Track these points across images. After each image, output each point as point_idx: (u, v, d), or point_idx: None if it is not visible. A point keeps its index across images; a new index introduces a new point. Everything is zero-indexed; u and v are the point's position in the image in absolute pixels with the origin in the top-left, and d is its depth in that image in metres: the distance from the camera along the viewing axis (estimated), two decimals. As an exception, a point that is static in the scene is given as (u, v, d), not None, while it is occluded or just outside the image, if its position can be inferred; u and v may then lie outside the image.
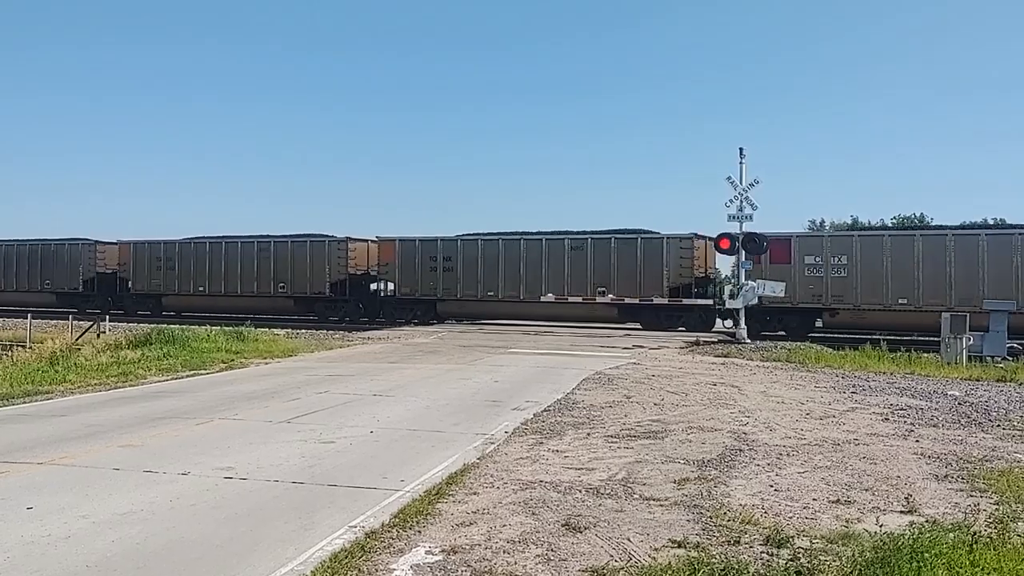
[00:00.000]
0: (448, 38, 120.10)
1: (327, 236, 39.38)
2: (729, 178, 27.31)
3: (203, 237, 42.26)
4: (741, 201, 27.12)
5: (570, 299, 34.71)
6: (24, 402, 13.95)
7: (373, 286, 40.39)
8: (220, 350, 22.40)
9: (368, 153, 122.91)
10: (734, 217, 27.29)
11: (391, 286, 38.97)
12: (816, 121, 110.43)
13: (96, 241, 44.75)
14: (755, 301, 27.49)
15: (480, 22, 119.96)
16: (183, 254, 41.83)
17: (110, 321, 32.05)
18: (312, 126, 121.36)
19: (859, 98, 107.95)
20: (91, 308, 42.49)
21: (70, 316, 33.61)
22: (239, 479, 8.44)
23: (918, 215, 54.06)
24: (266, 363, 20.60)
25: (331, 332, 32.40)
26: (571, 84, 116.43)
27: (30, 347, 25.59)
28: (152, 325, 28.62)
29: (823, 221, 55.95)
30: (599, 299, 34.31)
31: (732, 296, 28.47)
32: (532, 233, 36.70)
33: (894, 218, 54.77)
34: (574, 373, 17.87)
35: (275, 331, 30.14)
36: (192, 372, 18.42)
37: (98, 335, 28.26)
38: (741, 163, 27.42)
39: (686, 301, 32.86)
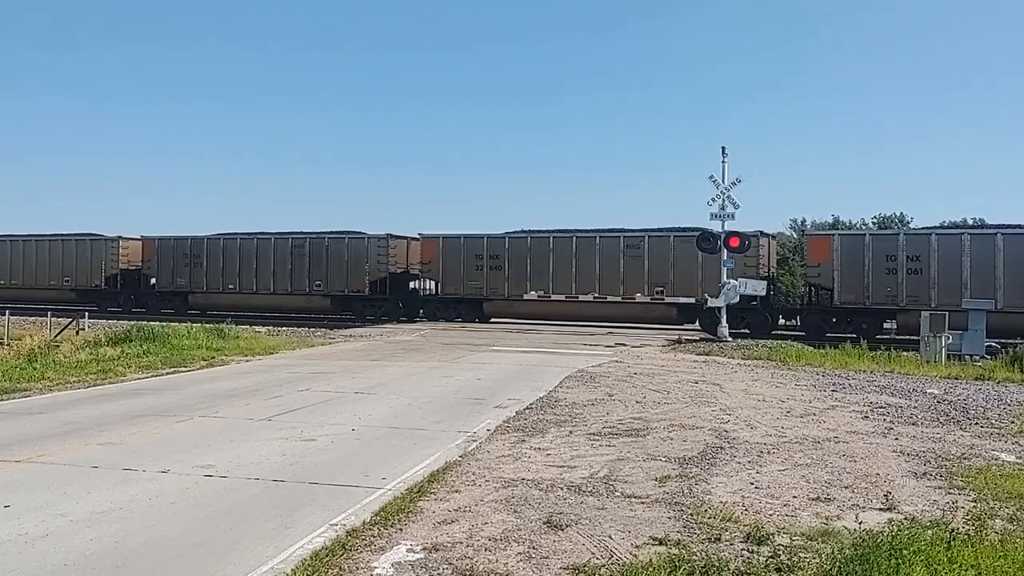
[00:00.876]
0: (441, 36, 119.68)
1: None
2: (712, 177, 27.47)
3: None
4: (723, 200, 27.26)
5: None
6: (1, 400, 13.80)
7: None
8: (201, 347, 22.25)
9: (367, 152, 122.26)
10: (716, 216, 27.43)
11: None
12: (797, 120, 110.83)
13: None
14: (736, 300, 27.60)
15: (477, 22, 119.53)
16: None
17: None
18: (309, 126, 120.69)
19: (840, 97, 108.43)
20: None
21: (48, 312, 33.28)
22: (219, 477, 8.40)
23: (899, 214, 54.42)
24: (247, 360, 20.50)
25: (313, 329, 32.26)
26: (570, 82, 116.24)
27: (8, 344, 25.34)
28: (132, 322, 28.42)
29: (804, 220, 56.17)
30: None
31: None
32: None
33: (875, 217, 55.08)
34: (557, 371, 17.88)
35: (256, 328, 30.00)
36: (172, 369, 18.30)
37: (77, 332, 28.02)
38: (723, 162, 27.56)
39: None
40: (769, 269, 33.06)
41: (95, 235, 43.82)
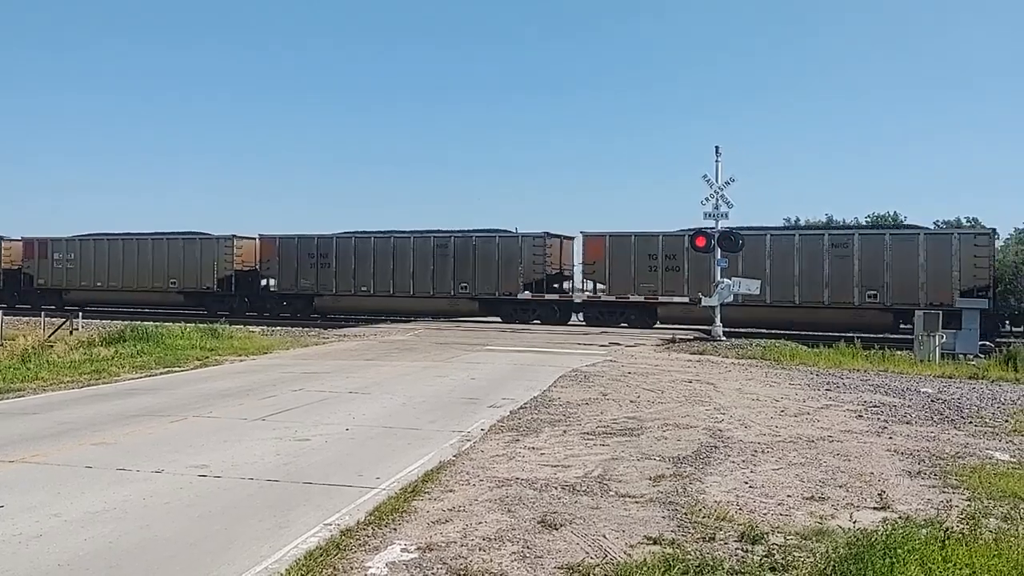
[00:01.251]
0: (437, 35, 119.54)
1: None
2: (705, 176, 27.53)
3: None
4: (717, 199, 27.32)
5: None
6: (-6, 400, 13.77)
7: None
8: (194, 347, 22.21)
9: (367, 150, 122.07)
10: (710, 215, 27.49)
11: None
12: (790, 120, 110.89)
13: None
14: (730, 299, 27.64)
15: (476, 20, 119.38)
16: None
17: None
18: (306, 125, 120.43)
19: (834, 97, 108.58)
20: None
21: (42, 313, 33.13)
22: (213, 477, 8.38)
23: (892, 213, 54.55)
24: (241, 360, 20.46)
25: (307, 329, 32.22)
26: (565, 81, 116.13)
27: (1, 344, 25.27)
28: (126, 322, 28.30)
29: (797, 219, 56.33)
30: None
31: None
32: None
33: (868, 216, 55.24)
34: (551, 371, 17.88)
35: (251, 328, 29.96)
36: (166, 369, 18.26)
37: (71, 332, 27.96)
38: (717, 161, 27.62)
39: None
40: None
41: (205, 234, 41.44)
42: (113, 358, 19.59)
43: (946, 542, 5.81)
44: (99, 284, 42.80)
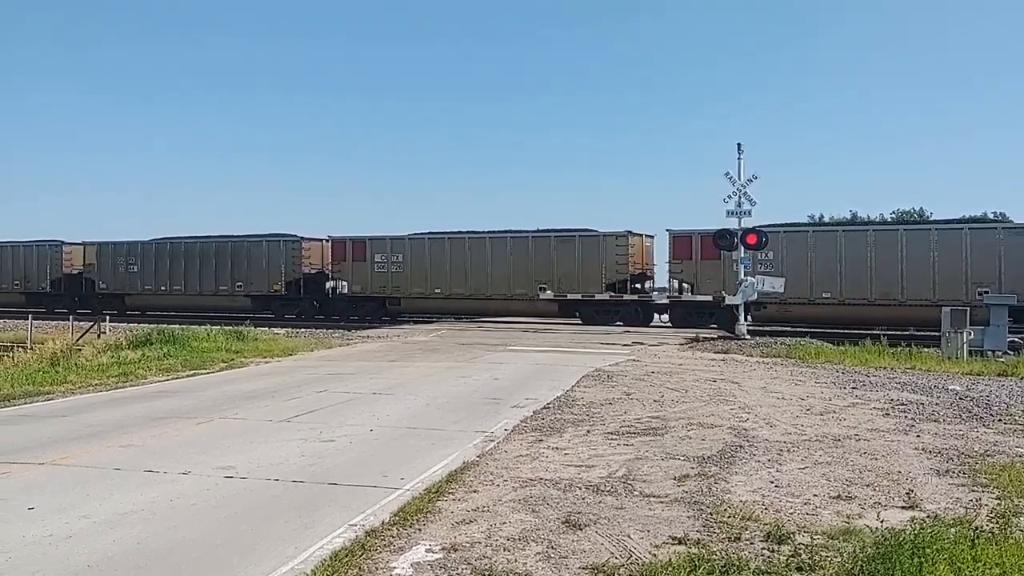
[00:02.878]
0: (453, 32, 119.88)
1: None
2: (728, 174, 27.34)
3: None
4: (740, 197, 27.14)
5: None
6: (25, 403, 13.94)
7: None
8: (220, 349, 22.39)
9: (369, 149, 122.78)
10: (733, 213, 27.31)
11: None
12: (814, 116, 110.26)
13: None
14: (754, 297, 27.48)
15: (483, 17, 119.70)
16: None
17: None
18: (304, 122, 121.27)
19: (858, 92, 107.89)
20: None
21: (70, 317, 33.52)
22: (239, 478, 8.44)
23: (918, 209, 54.05)
24: (266, 362, 20.59)
25: (331, 331, 32.34)
26: (567, 79, 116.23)
27: (31, 348, 25.59)
28: (152, 325, 28.54)
29: (822, 216, 56.01)
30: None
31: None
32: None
33: (893, 212, 54.79)
34: (573, 370, 17.85)
35: (275, 330, 30.13)
36: (192, 372, 18.41)
37: (98, 335, 28.26)
38: (739, 159, 27.40)
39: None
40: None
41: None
42: (140, 361, 19.78)
43: (976, 541, 5.74)
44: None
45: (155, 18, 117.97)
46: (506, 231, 36.95)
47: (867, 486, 8.18)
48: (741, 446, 10.03)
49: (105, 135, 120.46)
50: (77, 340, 26.84)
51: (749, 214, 27.26)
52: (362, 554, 6.03)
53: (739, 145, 27.51)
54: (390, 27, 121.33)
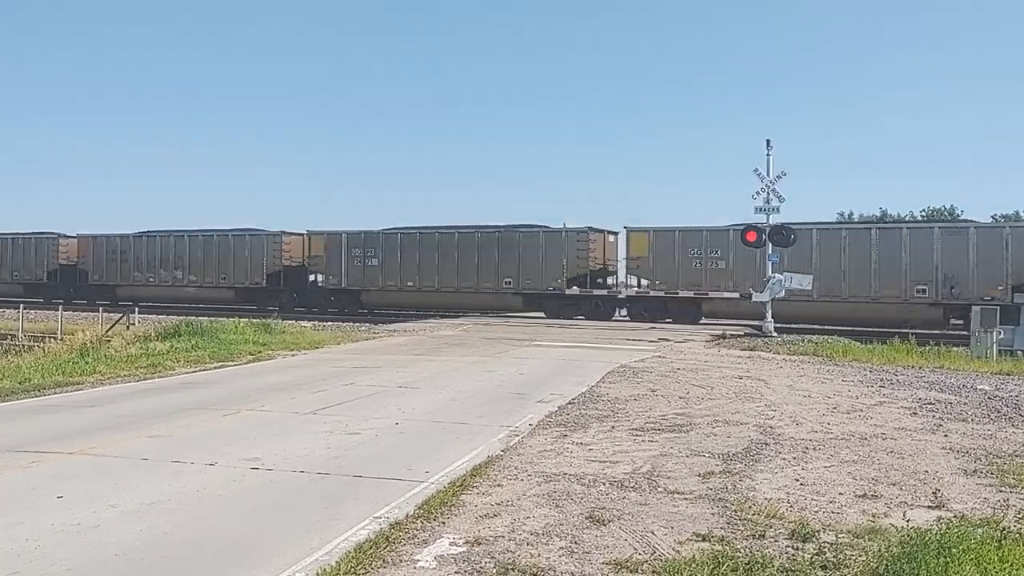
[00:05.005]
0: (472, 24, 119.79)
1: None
2: (756, 170, 27.14)
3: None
4: (768, 193, 26.94)
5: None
6: (55, 393, 14.13)
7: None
8: (247, 342, 22.54)
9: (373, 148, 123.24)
10: (761, 209, 27.12)
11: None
12: (844, 114, 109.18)
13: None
14: (781, 294, 27.28)
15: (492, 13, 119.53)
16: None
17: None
18: (304, 123, 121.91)
19: (889, 90, 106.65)
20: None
21: (100, 309, 33.97)
22: (265, 470, 8.51)
23: (948, 207, 53.43)
24: (293, 355, 20.72)
25: (358, 324, 32.51)
26: (586, 81, 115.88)
27: (61, 339, 25.93)
28: (181, 318, 28.86)
29: (851, 213, 55.50)
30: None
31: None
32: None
33: (923, 210, 54.18)
34: (599, 366, 17.83)
35: (302, 323, 30.32)
36: (220, 364, 18.57)
37: (127, 327, 28.58)
38: (768, 155, 27.18)
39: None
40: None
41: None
42: (168, 352, 19.98)
43: (1003, 542, 5.69)
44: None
45: (155, 16, 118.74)
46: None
47: (893, 485, 8.11)
48: (766, 444, 9.97)
49: (100, 129, 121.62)
50: (107, 331, 27.15)
51: (778, 210, 27.06)
52: (386, 546, 6.06)
53: (768, 141, 27.24)
54: (390, 27, 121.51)
